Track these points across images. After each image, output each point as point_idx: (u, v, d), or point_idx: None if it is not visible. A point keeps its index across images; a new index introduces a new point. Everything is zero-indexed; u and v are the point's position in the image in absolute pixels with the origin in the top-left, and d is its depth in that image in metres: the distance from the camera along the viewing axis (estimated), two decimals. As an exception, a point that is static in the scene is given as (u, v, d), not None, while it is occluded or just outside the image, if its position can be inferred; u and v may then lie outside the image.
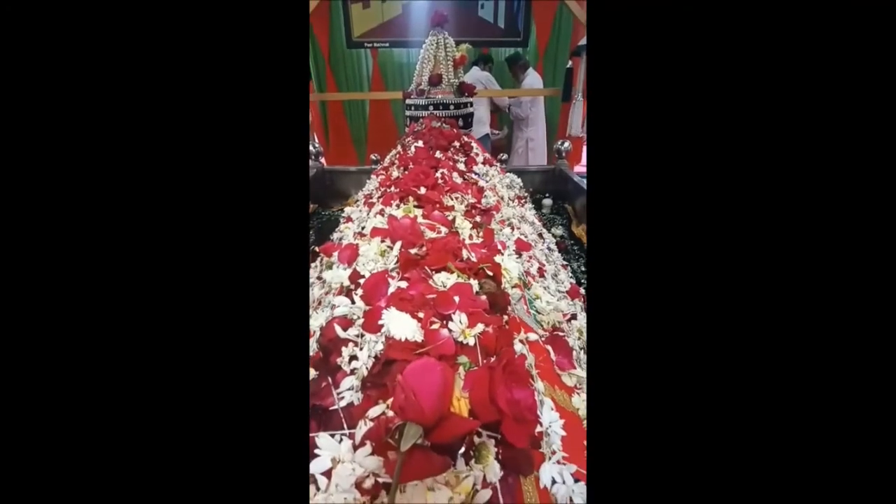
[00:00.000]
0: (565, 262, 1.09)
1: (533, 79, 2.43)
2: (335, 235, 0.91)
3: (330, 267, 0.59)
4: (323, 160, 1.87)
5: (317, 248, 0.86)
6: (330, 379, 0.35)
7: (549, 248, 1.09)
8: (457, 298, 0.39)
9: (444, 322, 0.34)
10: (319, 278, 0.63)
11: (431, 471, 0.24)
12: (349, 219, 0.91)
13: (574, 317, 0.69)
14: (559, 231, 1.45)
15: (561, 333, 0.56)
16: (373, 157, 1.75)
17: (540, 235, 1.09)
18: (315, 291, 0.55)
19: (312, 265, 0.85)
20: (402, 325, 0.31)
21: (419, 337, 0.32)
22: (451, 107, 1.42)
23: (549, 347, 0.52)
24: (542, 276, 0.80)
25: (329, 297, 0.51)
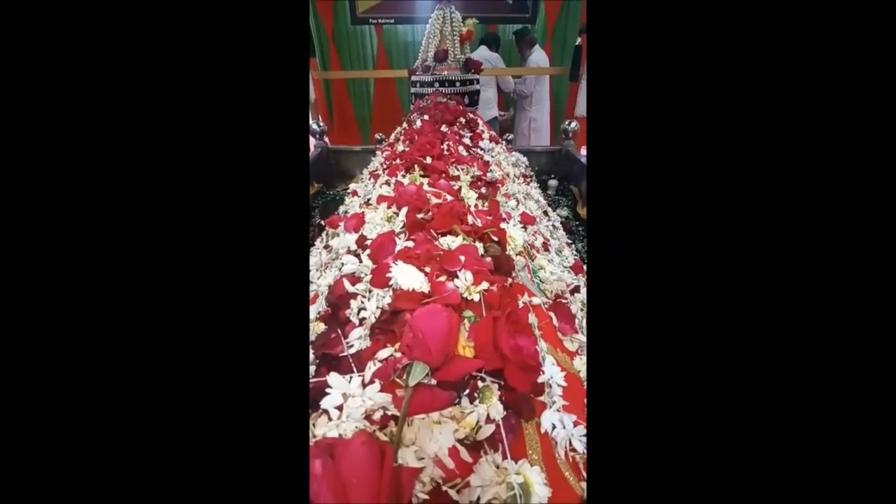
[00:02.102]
0: (569, 242, 1.09)
1: (539, 56, 2.37)
2: (341, 209, 0.91)
3: (336, 236, 0.60)
4: (327, 139, 1.86)
5: (322, 222, 0.86)
6: (339, 331, 0.36)
7: (553, 227, 1.09)
8: (462, 258, 0.40)
9: (451, 276, 0.35)
10: (326, 247, 0.64)
11: (437, 406, 0.25)
12: (354, 193, 0.91)
13: (577, 289, 0.70)
14: (564, 212, 1.44)
15: (564, 301, 0.57)
16: (377, 136, 1.74)
17: (545, 213, 1.09)
18: (322, 257, 0.56)
19: (318, 239, 0.85)
20: (409, 277, 0.32)
21: (426, 288, 0.33)
22: (457, 84, 1.40)
23: (552, 314, 0.53)
24: (546, 250, 0.81)
25: (336, 262, 0.52)
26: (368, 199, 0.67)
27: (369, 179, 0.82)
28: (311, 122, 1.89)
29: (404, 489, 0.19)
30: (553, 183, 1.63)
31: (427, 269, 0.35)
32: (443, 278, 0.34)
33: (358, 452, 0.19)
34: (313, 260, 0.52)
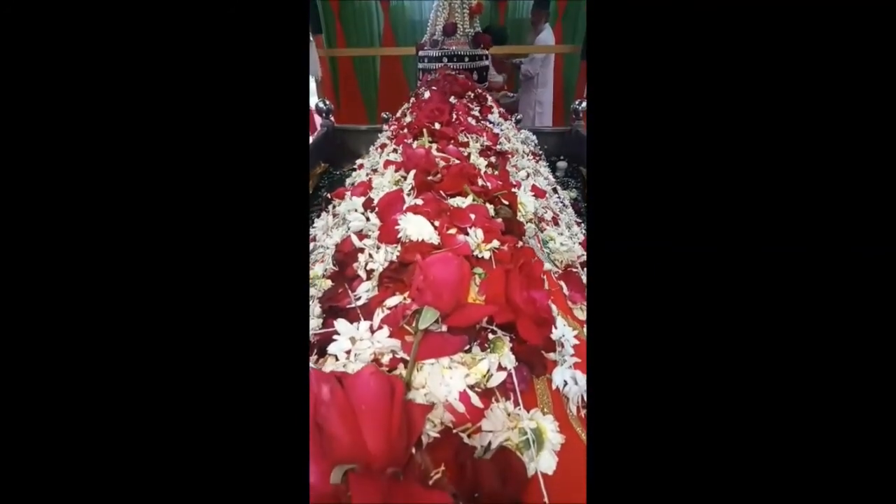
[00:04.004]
0: (579, 221, 1.07)
1: (547, 36, 2.30)
2: (347, 182, 0.90)
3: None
4: (333, 118, 1.83)
5: (329, 195, 0.85)
6: (347, 286, 0.35)
7: (563, 204, 1.07)
8: (473, 216, 0.39)
9: (461, 230, 0.34)
10: (334, 215, 0.63)
11: (447, 350, 0.24)
12: (361, 166, 0.90)
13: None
14: (573, 194, 1.41)
15: (574, 270, 0.56)
16: (384, 115, 1.71)
17: (554, 190, 1.07)
18: (329, 222, 0.55)
19: (324, 212, 0.84)
20: (419, 227, 0.31)
21: (435, 240, 0.32)
22: (466, 59, 1.36)
23: (562, 283, 0.52)
24: (555, 224, 0.79)
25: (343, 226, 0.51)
26: (375, 168, 0.66)
27: (376, 150, 0.81)
28: (317, 100, 1.86)
29: (415, 425, 0.19)
30: (562, 165, 1.59)
31: (436, 223, 0.34)
32: (453, 231, 0.33)
33: (368, 382, 0.18)
34: (319, 224, 0.51)
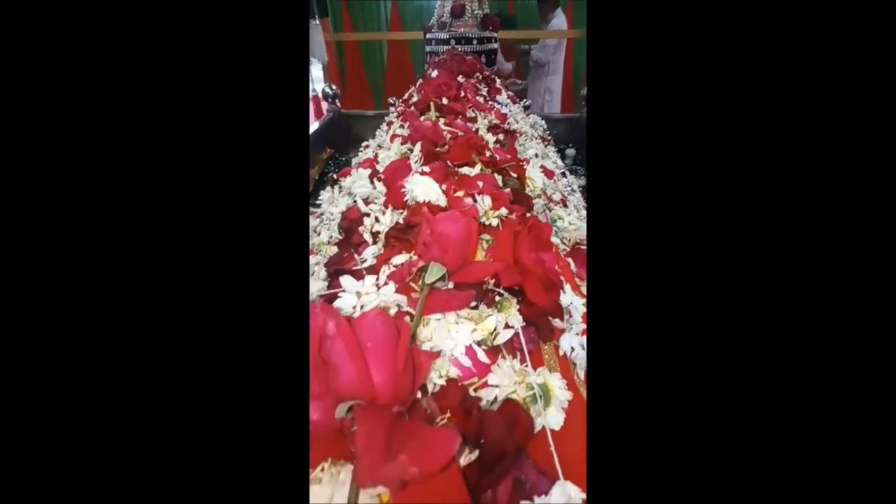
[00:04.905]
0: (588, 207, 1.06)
1: (560, 21, 2.25)
2: (354, 161, 0.89)
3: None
4: (339, 103, 1.82)
5: (334, 175, 0.85)
6: (353, 250, 0.35)
7: (571, 189, 1.05)
8: (481, 184, 0.38)
9: (468, 194, 0.33)
10: (340, 189, 0.63)
11: (453, 305, 0.24)
12: (367, 146, 0.89)
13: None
14: (582, 182, 1.39)
15: (582, 248, 0.55)
16: (390, 100, 1.69)
17: (563, 174, 1.05)
18: (335, 193, 0.54)
19: (329, 187, 0.84)
20: (426, 188, 0.30)
21: (443, 202, 0.31)
22: (474, 41, 1.34)
23: (569, 260, 0.51)
24: (564, 206, 0.78)
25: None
26: (381, 145, 0.65)
27: (383, 129, 0.80)
28: (323, 85, 1.85)
29: (421, 368, 0.18)
30: (571, 152, 1.57)
31: (443, 187, 0.33)
32: (460, 193, 0.32)
33: (374, 322, 0.18)
34: (325, 195, 0.51)
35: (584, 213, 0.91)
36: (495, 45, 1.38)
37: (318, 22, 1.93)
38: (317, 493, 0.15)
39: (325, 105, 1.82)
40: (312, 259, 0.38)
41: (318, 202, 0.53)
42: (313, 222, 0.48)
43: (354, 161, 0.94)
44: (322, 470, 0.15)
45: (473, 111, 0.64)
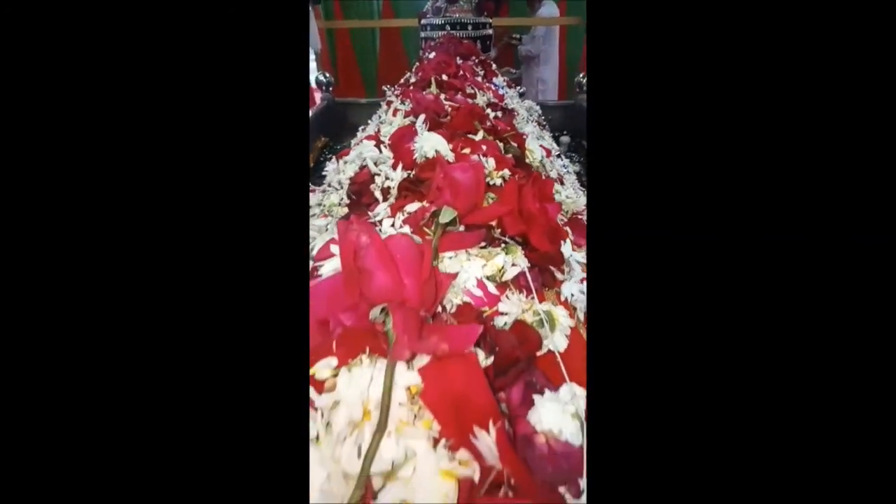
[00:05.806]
0: (583, 190, 1.08)
1: (550, 9, 2.24)
2: (353, 142, 0.90)
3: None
4: (332, 91, 1.81)
5: (336, 158, 0.86)
6: (364, 209, 0.37)
7: (567, 171, 1.07)
8: (484, 147, 0.40)
9: (474, 151, 0.35)
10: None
11: (465, 244, 0.26)
12: (365, 129, 0.90)
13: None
14: (576, 168, 1.41)
15: (580, 218, 0.57)
16: (385, 88, 1.69)
17: (559, 156, 1.07)
18: (339, 164, 0.55)
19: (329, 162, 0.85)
20: (435, 142, 0.32)
21: (451, 157, 0.33)
22: (470, 27, 1.34)
23: (567, 229, 0.54)
24: (561, 184, 0.80)
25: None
26: (383, 122, 0.66)
27: (383, 107, 0.81)
28: (317, 73, 1.84)
29: (441, 284, 0.20)
30: (565, 140, 1.59)
31: (450, 146, 0.35)
32: (467, 150, 0.34)
33: (401, 240, 0.19)
34: (330, 167, 0.52)
35: (580, 192, 0.93)
36: (490, 31, 1.39)
37: (311, 9, 1.91)
38: (356, 375, 0.17)
39: (318, 93, 1.81)
40: (323, 221, 0.39)
41: (323, 174, 0.54)
42: (318, 196, 0.49)
43: (353, 142, 0.95)
44: (360, 361, 0.17)
45: (472, 88, 0.65)
